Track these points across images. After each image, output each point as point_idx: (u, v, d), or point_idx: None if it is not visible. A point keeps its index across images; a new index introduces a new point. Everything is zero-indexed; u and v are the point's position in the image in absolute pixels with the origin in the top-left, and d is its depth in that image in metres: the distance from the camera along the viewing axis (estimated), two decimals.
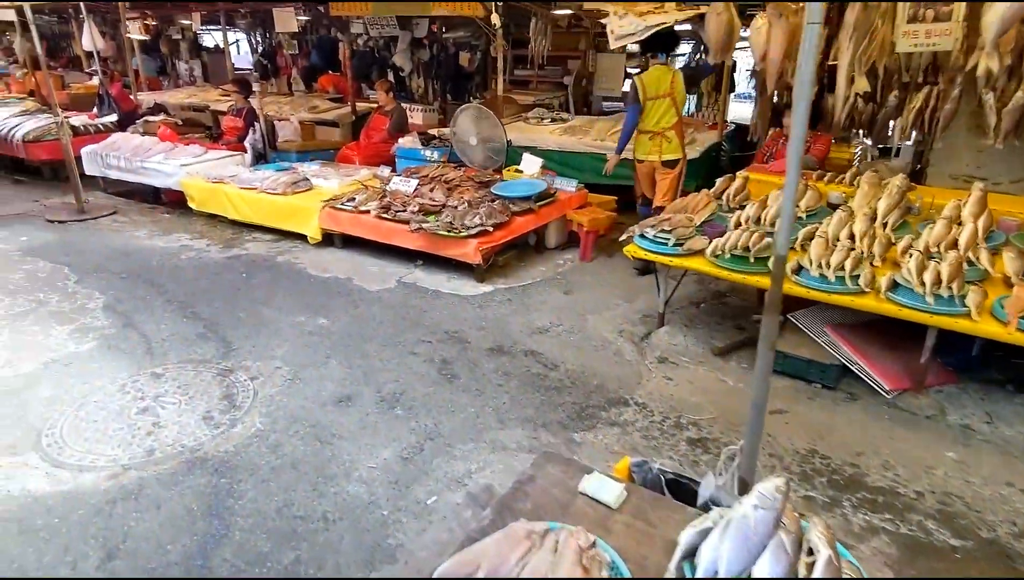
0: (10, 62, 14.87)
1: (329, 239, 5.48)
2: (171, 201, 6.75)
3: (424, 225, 4.71)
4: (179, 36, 15.29)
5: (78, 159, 7.19)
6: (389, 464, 2.72)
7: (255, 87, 7.51)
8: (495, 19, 5.77)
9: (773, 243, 3.60)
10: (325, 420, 3.02)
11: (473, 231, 4.63)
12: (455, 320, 4.11)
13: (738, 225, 3.80)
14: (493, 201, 5.10)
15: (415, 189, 5.56)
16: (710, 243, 3.61)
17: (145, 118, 9.05)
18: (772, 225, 3.76)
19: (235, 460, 2.72)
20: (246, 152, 7.34)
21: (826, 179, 4.62)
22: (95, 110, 8.97)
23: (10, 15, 9.18)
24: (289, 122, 8.26)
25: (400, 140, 7.10)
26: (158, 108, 9.66)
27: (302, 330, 3.92)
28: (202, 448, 2.79)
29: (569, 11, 8.63)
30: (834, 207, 4.08)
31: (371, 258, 5.20)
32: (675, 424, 3.07)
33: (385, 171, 6.55)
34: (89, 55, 14.33)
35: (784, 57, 3.47)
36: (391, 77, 12.66)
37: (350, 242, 5.39)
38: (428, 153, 6.81)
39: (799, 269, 3.35)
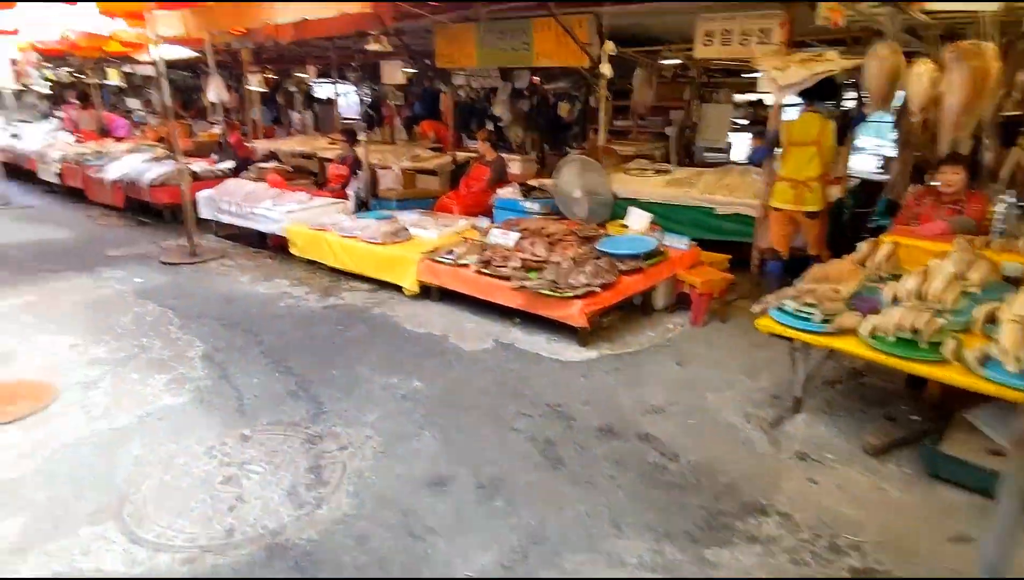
0: (148, 112, 16.26)
1: (426, 291, 5.26)
2: (275, 246, 6.83)
3: (526, 283, 4.38)
4: (294, 88, 16.22)
5: (195, 203, 7.48)
6: (488, 571, 2.32)
7: (360, 136, 7.59)
8: (606, 69, 5.50)
9: (947, 325, 3.04)
10: (418, 506, 2.67)
11: (579, 291, 4.25)
12: (558, 390, 3.70)
13: (896, 300, 3.21)
14: (599, 258, 4.72)
15: (516, 243, 5.28)
16: (864, 320, 3.05)
17: (258, 165, 9.40)
18: (938, 301, 3.15)
19: (318, 552, 2.40)
20: (348, 199, 7.39)
21: (994, 245, 3.93)
22: (214, 157, 9.43)
23: (151, 70, 9.90)
24: (391, 170, 8.30)
25: (499, 191, 6.91)
26: (271, 155, 10.06)
27: (395, 393, 3.63)
28: (284, 532, 2.50)
29: (678, 60, 8.28)
30: (1013, 281, 3.42)
31: (468, 314, 4.92)
32: (830, 546, 2.49)
33: (484, 222, 6.34)
34: (214, 106, 15.39)
35: (962, 106, 2.93)
36: (490, 127, 12.77)
37: (447, 295, 5.15)
38: (528, 205, 6.55)
39: (985, 359, 2.72)
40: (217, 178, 8.64)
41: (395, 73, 10.18)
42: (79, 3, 7.01)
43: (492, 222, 6.46)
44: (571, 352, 4.25)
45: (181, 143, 11.09)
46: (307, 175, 9.81)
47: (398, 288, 5.38)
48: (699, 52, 6.10)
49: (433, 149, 10.57)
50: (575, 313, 4.21)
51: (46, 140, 11.76)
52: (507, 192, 6.82)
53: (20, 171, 11.32)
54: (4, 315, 4.75)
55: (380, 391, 3.66)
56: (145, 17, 6.20)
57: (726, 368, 4.07)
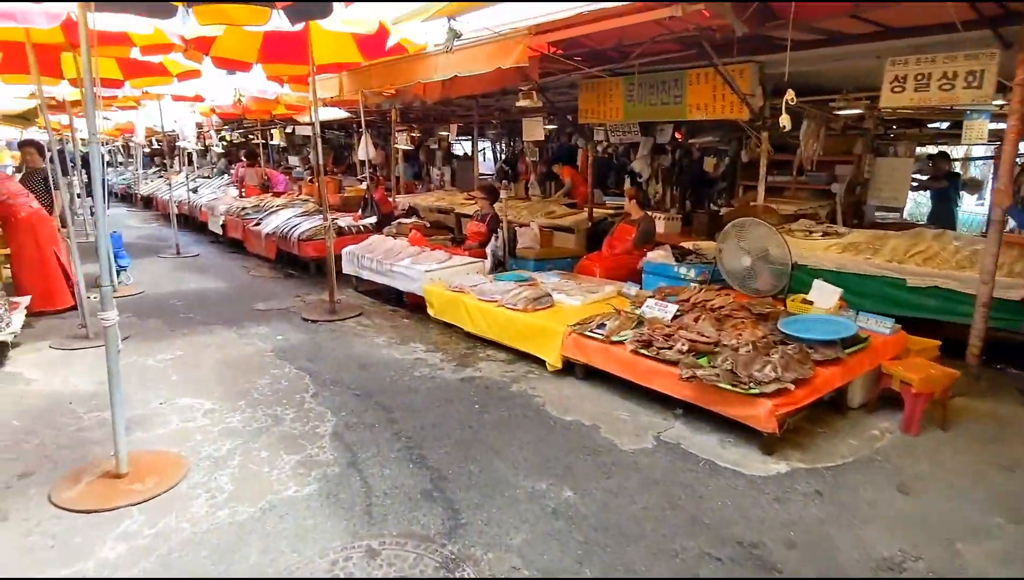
0: (306, 169, 17.43)
1: (569, 366, 4.65)
2: (411, 304, 6.57)
3: (698, 372, 3.62)
4: (435, 146, 16.68)
5: (339, 258, 7.49)
6: None
7: (502, 194, 7.27)
8: (785, 121, 4.73)
9: None
10: None
11: (767, 388, 3.42)
12: (747, 521, 2.88)
13: None
14: (786, 344, 3.86)
15: (674, 316, 4.55)
16: None
17: (399, 220, 9.42)
18: None
19: None
20: (487, 258, 7.03)
21: None
22: (360, 212, 9.58)
23: (310, 130, 10.39)
24: (528, 228, 7.90)
25: (650, 254, 6.22)
26: (411, 211, 10.09)
27: (544, 506, 2.99)
28: None
29: (857, 110, 7.28)
30: None
31: (619, 398, 4.23)
32: None
33: (632, 289, 5.66)
34: (362, 163, 16.13)
35: None
36: (628, 183, 12.20)
37: (594, 373, 4.50)
38: (683, 271, 5.80)
39: None
40: (360, 233, 8.71)
41: (536, 129, 9.95)
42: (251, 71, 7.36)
43: (641, 288, 5.77)
44: (754, 463, 3.41)
45: (330, 198, 11.54)
46: (445, 230, 9.70)
47: (539, 360, 4.82)
48: (886, 100, 5.15)
49: (567, 206, 10.12)
50: (762, 415, 3.38)
51: (216, 194, 12.75)
52: (658, 255, 6.12)
53: (194, 222, 12.32)
54: (155, 372, 4.72)
55: (526, 500, 3.04)
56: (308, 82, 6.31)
57: (971, 501, 3.04)
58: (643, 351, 4.04)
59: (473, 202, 10.85)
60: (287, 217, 9.16)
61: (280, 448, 3.54)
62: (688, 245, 6.32)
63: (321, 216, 8.96)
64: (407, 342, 5.50)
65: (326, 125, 15.51)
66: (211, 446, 3.55)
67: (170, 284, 7.68)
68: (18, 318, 5.09)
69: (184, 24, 4.57)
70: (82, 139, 16.44)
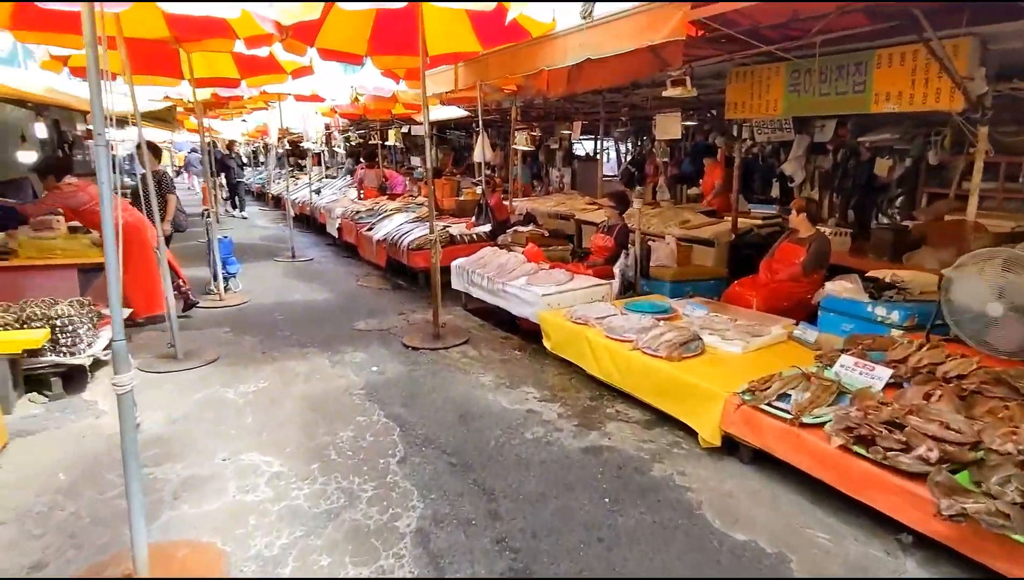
0: (426, 169, 17.06)
1: (729, 441, 3.40)
2: (525, 330, 5.56)
3: (968, 507, 2.26)
4: (555, 146, 15.62)
5: (447, 269, 6.65)
6: None
7: (635, 203, 6.05)
8: None
9: None
10: None
11: None
12: None
13: None
14: None
15: (885, 385, 3.17)
16: None
17: (515, 228, 8.47)
18: None
19: None
20: (614, 278, 5.86)
21: None
22: (473, 219, 8.73)
23: (423, 129, 9.73)
24: (664, 243, 6.61)
25: (830, 285, 4.75)
26: (528, 217, 9.09)
27: None
28: None
29: None
30: None
31: (807, 502, 2.94)
32: None
33: (809, 332, 4.27)
34: (479, 165, 15.42)
35: None
36: (777, 188, 10.45)
37: (763, 456, 3.23)
38: (880, 312, 4.31)
39: None
40: (473, 243, 7.84)
41: (672, 126, 8.56)
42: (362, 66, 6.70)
43: (819, 331, 4.36)
44: None
45: (445, 202, 10.85)
46: (563, 240, 8.63)
47: (684, 426, 3.62)
48: None
49: (705, 213, 8.63)
50: None
51: (336, 196, 12.52)
52: (843, 288, 4.64)
53: (315, 224, 12.14)
54: (232, 409, 4.03)
55: None
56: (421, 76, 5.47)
57: None
58: (858, 449, 2.71)
59: (596, 208, 9.68)
60: (399, 223, 8.50)
61: (347, 551, 2.62)
62: (882, 274, 4.77)
63: (438, 223, 8.23)
64: (518, 385, 4.48)
65: (445, 125, 14.92)
66: (264, 538, 2.70)
67: (276, 293, 7.21)
68: (107, 335, 4.63)
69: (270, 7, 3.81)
70: (220, 141, 17.06)
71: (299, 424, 3.79)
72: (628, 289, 5.89)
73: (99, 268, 5.50)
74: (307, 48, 5.15)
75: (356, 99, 9.18)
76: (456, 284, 6.58)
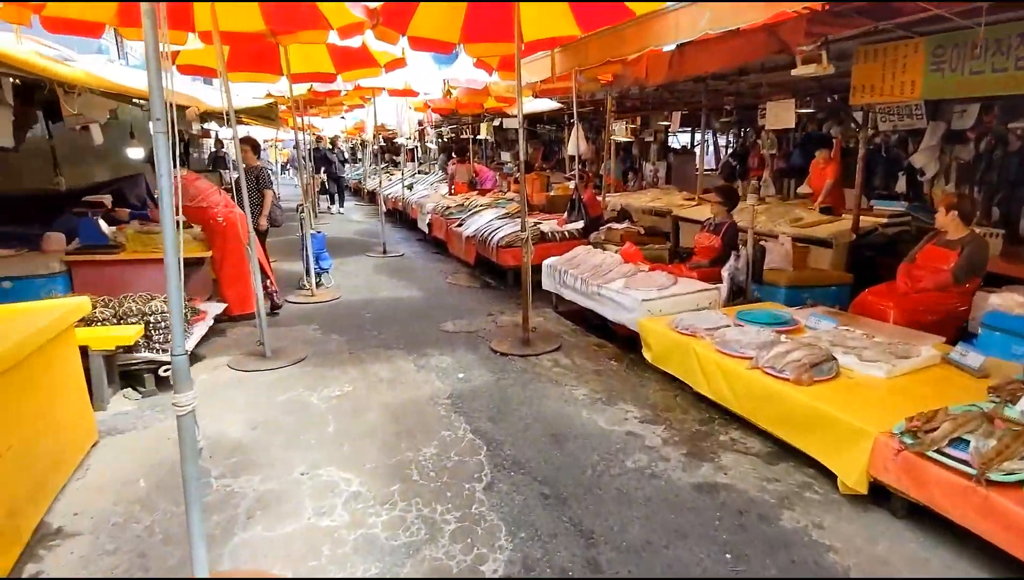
0: (516, 164, 16.72)
1: (878, 490, 2.78)
2: (622, 336, 5.07)
3: None
4: (650, 138, 14.81)
5: (537, 268, 6.25)
6: None
7: (749, 199, 5.38)
8: None
9: None
10: None
11: None
12: None
13: None
14: None
15: None
16: None
17: (608, 225, 7.95)
18: None
19: None
20: (722, 282, 5.24)
21: None
22: (565, 215, 8.28)
23: (515, 122, 9.36)
24: (778, 243, 5.87)
25: (995, 298, 3.94)
26: (623, 214, 8.53)
27: None
28: None
29: None
30: None
31: (978, 572, 2.30)
32: None
33: (972, 356, 3.51)
34: (571, 158, 14.92)
35: None
36: (903, 182, 9.26)
37: (922, 509, 2.59)
38: None
39: None
40: (565, 241, 7.41)
41: (785, 114, 7.72)
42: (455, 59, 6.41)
43: (983, 353, 3.58)
44: None
45: (535, 198, 10.46)
46: (660, 238, 8.01)
47: (818, 465, 3.02)
48: None
49: (823, 211, 7.70)
50: None
51: (427, 191, 12.45)
52: (1014, 302, 3.81)
53: (407, 219, 12.13)
54: (314, 416, 3.83)
55: None
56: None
57: None
58: None
59: (694, 203, 8.97)
60: (489, 219, 8.20)
61: None
62: None
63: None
64: (615, 400, 4.01)
65: (535, 118, 14.49)
66: (337, 572, 2.41)
67: (366, 289, 7.10)
68: (200, 331, 4.59)
69: None
70: (323, 137, 17.51)
71: (381, 437, 3.52)
72: (737, 295, 5.25)
73: (198, 263, 5.55)
74: (399, 37, 4.89)
75: (448, 93, 8.96)
76: (547, 284, 6.18)
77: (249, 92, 9.06)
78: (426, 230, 10.28)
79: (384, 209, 10.41)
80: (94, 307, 3.93)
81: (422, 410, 3.86)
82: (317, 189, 15.28)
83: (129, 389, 3.99)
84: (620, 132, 10.09)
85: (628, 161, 15.15)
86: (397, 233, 11.59)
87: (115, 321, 3.98)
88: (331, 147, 14.93)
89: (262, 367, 4.52)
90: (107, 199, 5.48)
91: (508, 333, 5.39)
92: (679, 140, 16.73)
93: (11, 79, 4.86)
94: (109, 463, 3.25)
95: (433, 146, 17.38)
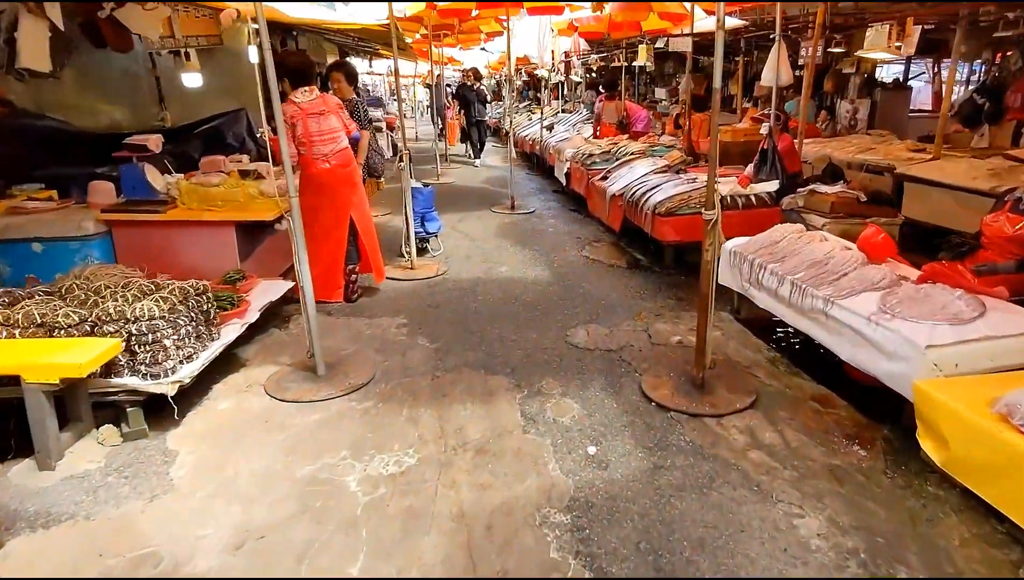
0: (672, 101, 13.83)
1: None
2: (863, 387, 2.91)
3: None
4: (850, 69, 11.24)
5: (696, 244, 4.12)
6: None
7: None
8: None
9: None
10: None
11: None
12: None
13: None
14: None
15: None
16: None
17: (812, 187, 5.49)
18: None
19: None
20: None
21: None
22: (748, 169, 5.85)
23: (686, 44, 6.93)
24: None
25: None
26: (833, 171, 5.90)
27: None
28: None
29: None
30: None
31: None
32: None
33: None
34: (752, 94, 11.85)
35: None
36: None
37: None
38: None
39: None
40: (750, 209, 5.13)
41: None
42: None
43: None
44: None
45: (702, 144, 8.00)
46: (889, 209, 5.42)
47: None
48: None
49: None
50: None
51: (567, 133, 10.33)
52: None
53: (544, 166, 10.19)
54: (339, 524, 2.23)
55: None
56: None
57: None
58: None
59: (928, 157, 6.14)
60: (641, 174, 6.04)
61: None
62: None
63: (687, 179, 5.60)
64: (888, 560, 1.95)
65: (702, 45, 11.43)
66: None
67: (480, 261, 5.38)
68: (229, 336, 3.15)
69: None
70: (467, 72, 15.64)
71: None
72: None
73: (264, 226, 4.14)
74: None
75: (600, 7, 6.72)
76: (725, 278, 4.04)
77: (371, 13, 7.44)
78: (563, 181, 8.30)
79: (515, 153, 8.53)
80: (54, 307, 2.58)
81: (518, 541, 2.09)
82: (457, 136, 13.56)
83: (110, 426, 2.65)
84: (876, 47, 7.12)
85: (817, 97, 11.75)
86: (531, 182, 9.73)
87: (88, 329, 2.62)
88: (471, 83, 12.42)
89: (304, 396, 3.00)
90: (154, 140, 4.17)
91: (669, 360, 3.41)
92: (888, 71, 12.79)
93: None
94: None
95: (579, 80, 14.96)
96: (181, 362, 2.70)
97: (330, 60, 10.83)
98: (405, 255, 5.11)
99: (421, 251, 5.46)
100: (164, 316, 2.66)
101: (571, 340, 3.70)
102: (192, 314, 2.84)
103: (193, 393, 2.93)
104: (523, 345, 3.63)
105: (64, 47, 3.98)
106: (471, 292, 4.58)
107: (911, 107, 12.03)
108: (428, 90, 12.96)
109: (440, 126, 12.94)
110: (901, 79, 11.99)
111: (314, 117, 3.94)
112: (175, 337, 2.67)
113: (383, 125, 11.53)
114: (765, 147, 5.64)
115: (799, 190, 5.58)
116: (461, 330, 3.88)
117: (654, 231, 5.14)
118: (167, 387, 2.59)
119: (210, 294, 3.05)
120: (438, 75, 13.07)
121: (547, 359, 3.44)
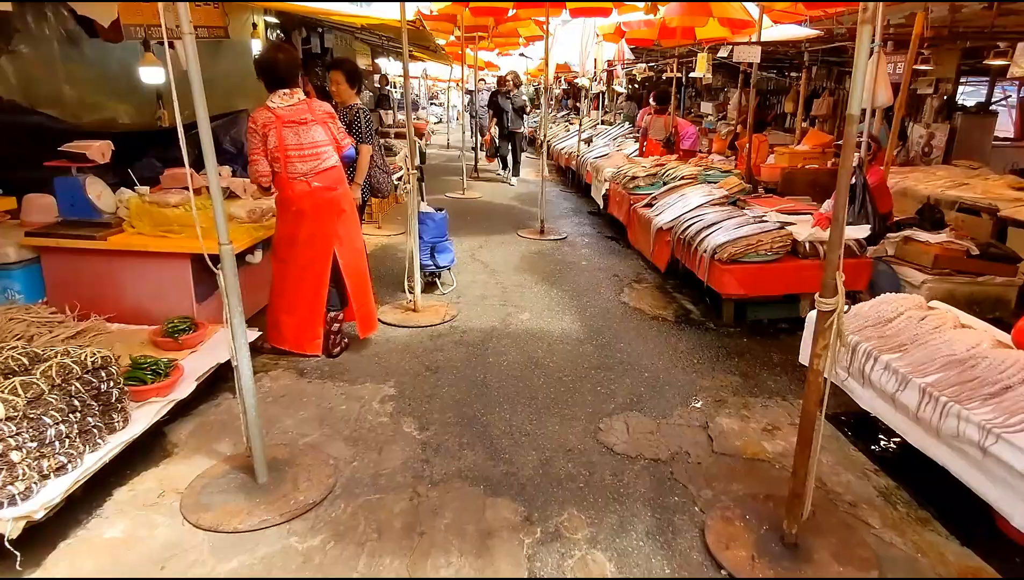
0: (720, 118, 12.70)
1: None
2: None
3: None
4: (930, 90, 9.96)
5: (767, 299, 3.13)
6: None
7: None
8: None
9: None
10: None
11: None
12: None
13: None
14: None
15: None
16: None
17: (905, 233, 4.48)
18: None
19: None
20: None
21: None
22: (827, 206, 4.78)
23: (754, 53, 5.89)
24: None
25: None
26: (932, 213, 4.79)
27: None
28: None
29: None
30: None
31: None
32: None
33: None
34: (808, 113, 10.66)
35: None
36: None
37: None
38: None
39: None
40: (847, 258, 4.07)
41: None
42: None
43: None
44: None
45: (763, 172, 6.94)
46: (1007, 265, 4.33)
47: None
48: None
49: None
50: None
51: (606, 148, 9.34)
52: None
53: (580, 184, 9.21)
54: None
55: None
56: None
57: None
58: None
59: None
60: (695, 205, 5.03)
61: None
62: None
63: (751, 215, 4.56)
64: None
65: (770, 53, 10.20)
66: None
67: (497, 305, 4.44)
68: (140, 423, 2.29)
69: None
70: (504, 79, 14.72)
71: None
72: None
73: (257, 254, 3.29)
74: None
75: (655, 8, 5.74)
76: (808, 356, 3.02)
77: (393, 10, 6.61)
78: (600, 204, 7.33)
79: (546, 170, 7.58)
80: None
81: None
82: (486, 146, 12.28)
83: None
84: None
85: (885, 121, 10.49)
86: (565, 201, 8.78)
87: None
88: (507, 89, 10.77)
89: (227, 523, 2.11)
90: (97, 148, 3.32)
91: (742, 486, 2.42)
92: (966, 94, 11.42)
93: None
94: None
95: (622, 90, 13.88)
96: (42, 479, 1.85)
97: (361, 63, 10.05)
98: (409, 296, 4.21)
99: (429, 285, 4.57)
100: (21, 412, 1.81)
101: (605, 438, 2.74)
102: (77, 402, 1.99)
103: (79, 507, 2.09)
104: (540, 444, 2.69)
105: None
106: (481, 351, 3.64)
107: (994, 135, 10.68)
108: (468, 96, 11.83)
109: (476, 134, 12.00)
110: (984, 101, 10.65)
111: (292, 127, 3.07)
112: (35, 443, 1.81)
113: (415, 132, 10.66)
114: (852, 181, 4.57)
115: (889, 235, 4.55)
116: (461, 413, 2.95)
117: (711, 280, 4.13)
118: (5, 525, 1.74)
119: (114, 369, 2.19)
120: (480, 79, 12.10)
121: (571, 472, 2.49)
